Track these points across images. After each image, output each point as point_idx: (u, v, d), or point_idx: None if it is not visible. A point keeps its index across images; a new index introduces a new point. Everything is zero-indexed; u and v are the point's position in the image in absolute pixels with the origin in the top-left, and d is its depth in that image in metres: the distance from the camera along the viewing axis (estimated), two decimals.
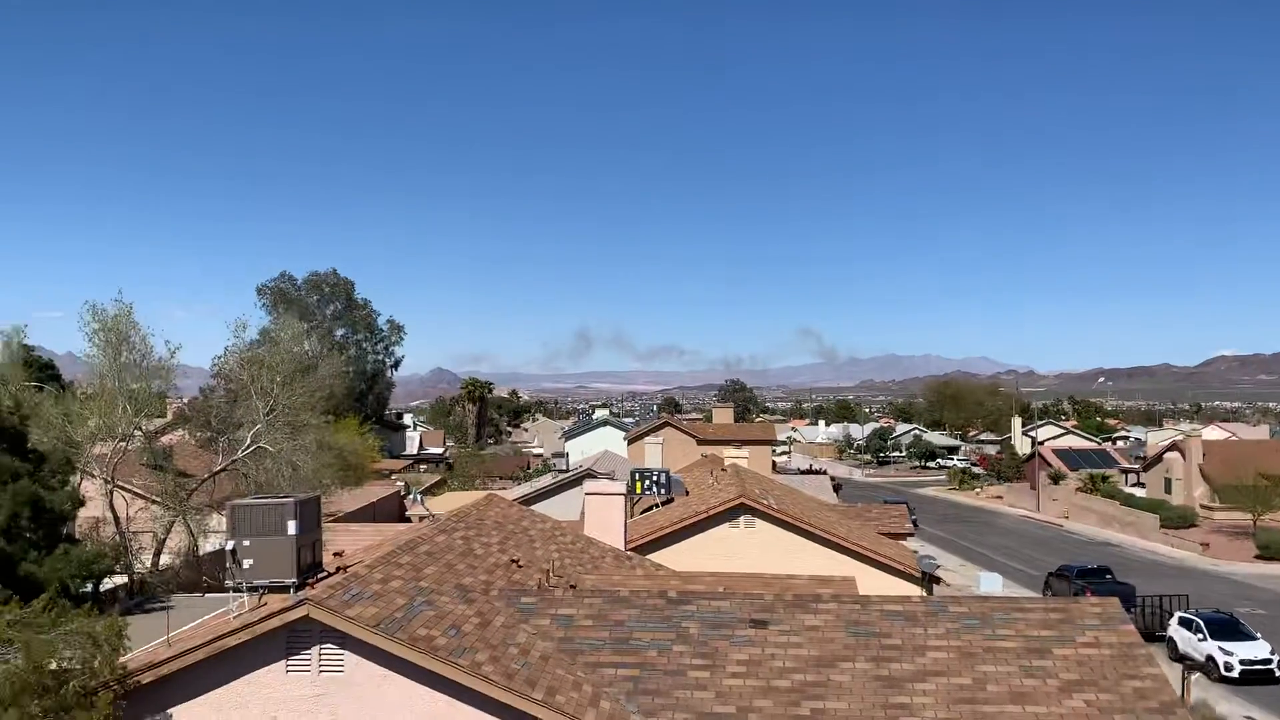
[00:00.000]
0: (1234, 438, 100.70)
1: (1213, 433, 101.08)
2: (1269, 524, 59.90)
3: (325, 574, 14.20)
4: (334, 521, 28.82)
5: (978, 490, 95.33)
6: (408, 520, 44.01)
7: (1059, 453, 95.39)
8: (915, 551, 31.70)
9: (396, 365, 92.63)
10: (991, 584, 32.62)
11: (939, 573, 26.33)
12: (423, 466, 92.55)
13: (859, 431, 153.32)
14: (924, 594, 24.48)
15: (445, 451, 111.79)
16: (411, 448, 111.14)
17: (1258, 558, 54.62)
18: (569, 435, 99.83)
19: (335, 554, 17.22)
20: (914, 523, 46.11)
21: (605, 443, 79.92)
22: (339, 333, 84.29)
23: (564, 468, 54.10)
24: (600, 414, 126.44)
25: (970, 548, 60.20)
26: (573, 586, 17.50)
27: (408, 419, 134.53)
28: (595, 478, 36.79)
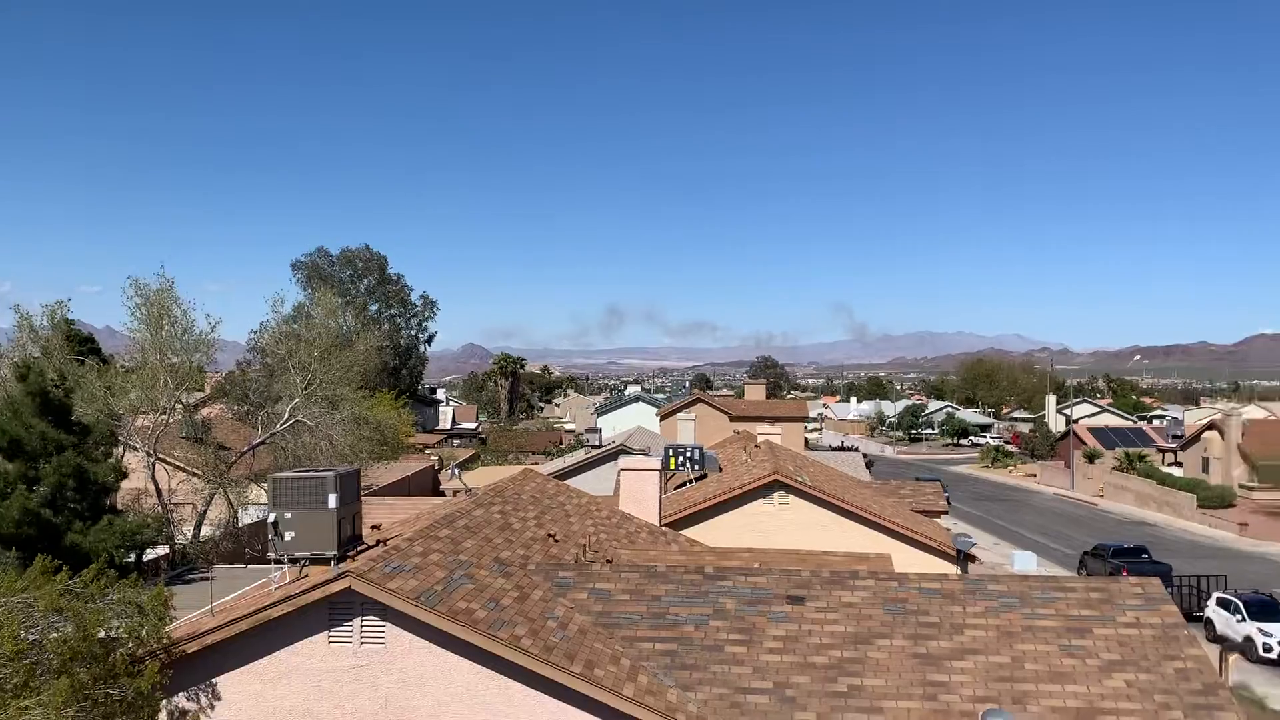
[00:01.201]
0: (1273, 417, 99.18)
1: (1252, 411, 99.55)
2: None
3: (365, 546, 14.33)
4: (370, 495, 29.09)
5: (1011, 468, 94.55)
6: (442, 494, 44.33)
7: (1094, 431, 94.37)
8: (949, 529, 31.52)
9: (430, 340, 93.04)
10: (1026, 562, 32.29)
11: (974, 550, 26.16)
12: (456, 441, 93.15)
13: (891, 409, 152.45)
14: (959, 572, 24.36)
15: (478, 426, 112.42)
16: (445, 423, 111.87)
17: None
18: (601, 411, 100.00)
19: (373, 527, 17.39)
20: (948, 500, 45.86)
21: (638, 419, 79.97)
22: (372, 308, 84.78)
23: (597, 443, 54.20)
24: (632, 390, 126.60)
25: (1004, 526, 59.82)
26: (609, 561, 17.57)
27: (441, 394, 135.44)
28: (629, 453, 36.85)
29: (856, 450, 70.10)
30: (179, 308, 26.31)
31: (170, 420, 26.54)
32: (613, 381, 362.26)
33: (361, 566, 12.78)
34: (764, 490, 26.34)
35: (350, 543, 14.04)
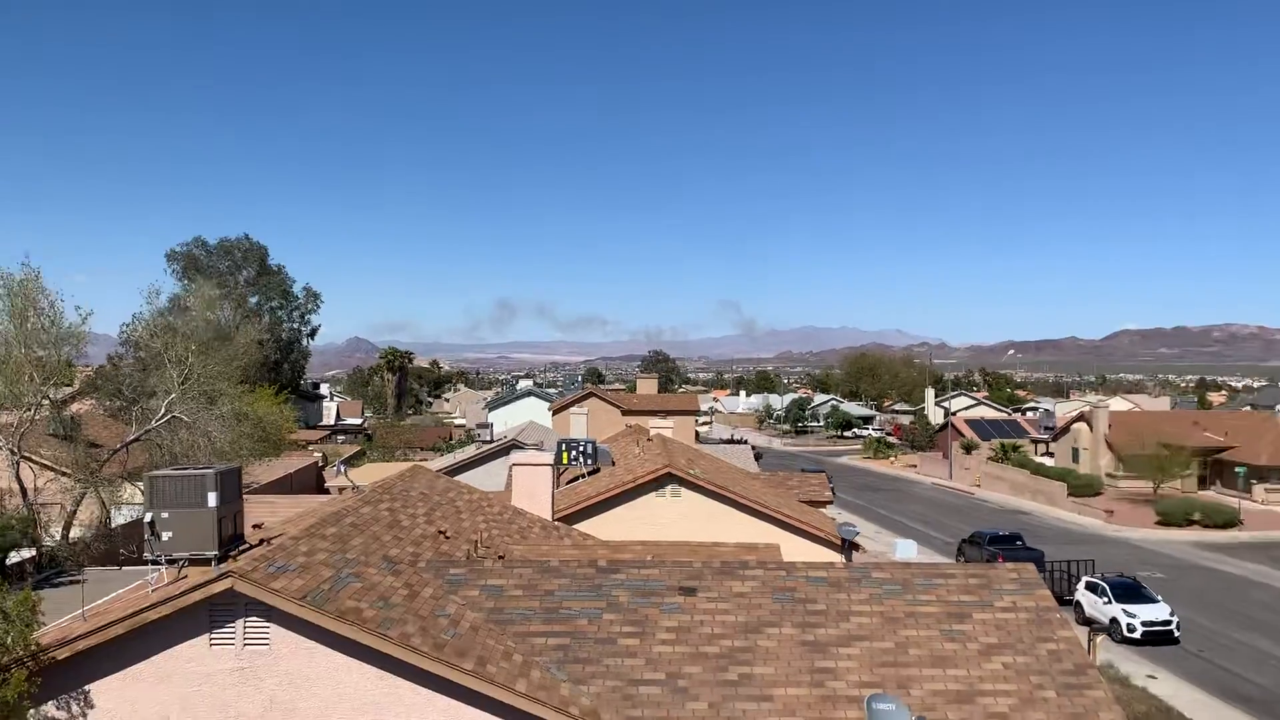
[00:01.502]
0: (1137, 409, 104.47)
1: (1117, 404, 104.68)
2: (1168, 492, 62.44)
3: (248, 546, 13.91)
4: (251, 493, 28.23)
5: (892, 459, 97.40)
6: (327, 492, 43.33)
7: (971, 423, 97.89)
8: (835, 519, 32.27)
9: (313, 334, 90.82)
10: (907, 550, 33.36)
11: (858, 539, 26.84)
12: (340, 437, 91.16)
13: (778, 402, 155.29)
14: (845, 560, 24.96)
15: (364, 422, 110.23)
16: (329, 418, 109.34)
17: (1157, 524, 56.89)
18: (492, 406, 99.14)
19: (255, 526, 16.88)
20: (832, 491, 46.91)
21: (530, 413, 79.60)
22: (253, 300, 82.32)
23: (488, 438, 53.73)
24: (524, 384, 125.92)
25: (886, 515, 61.56)
26: (501, 557, 17.44)
27: (325, 389, 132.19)
28: (521, 448, 36.63)
29: (746, 443, 71.14)
30: (46, 298, 25.10)
31: (36, 416, 25.31)
32: (504, 376, 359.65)
33: (244, 566, 12.39)
34: (656, 483, 26.51)
35: (232, 542, 13.61)
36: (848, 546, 26.78)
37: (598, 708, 12.76)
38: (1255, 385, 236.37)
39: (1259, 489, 64.89)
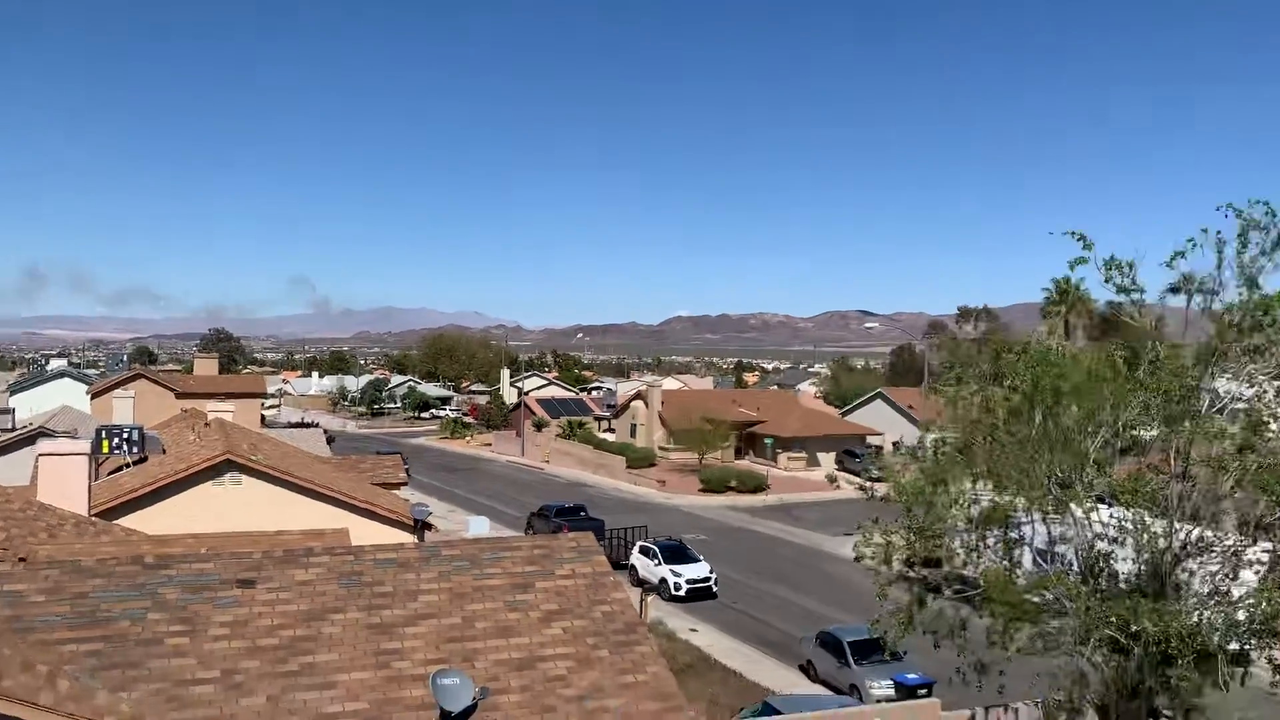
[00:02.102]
0: (686, 388, 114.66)
1: (669, 383, 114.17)
2: (711, 462, 69.31)
3: None
4: None
5: (469, 439, 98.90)
6: None
7: (542, 402, 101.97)
8: (409, 500, 32.18)
9: None
10: (480, 527, 34.00)
11: (431, 519, 26.98)
12: None
13: (354, 384, 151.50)
14: (417, 540, 24.97)
15: None
16: None
17: (701, 491, 62.99)
18: (15, 389, 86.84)
19: None
20: (407, 472, 46.66)
21: (63, 396, 70.73)
22: None
23: (9, 426, 47.05)
24: (56, 364, 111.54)
25: (461, 494, 62.45)
26: (23, 559, 15.40)
27: None
28: (50, 436, 32.58)
29: (317, 426, 68.69)
30: None
31: None
32: (31, 355, 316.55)
33: None
34: (214, 471, 24.76)
35: None
36: (420, 526, 26.83)
37: (142, 713, 11.70)
38: (783, 367, 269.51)
39: (783, 457, 74.01)
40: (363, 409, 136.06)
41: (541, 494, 60.53)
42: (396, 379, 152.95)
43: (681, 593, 36.23)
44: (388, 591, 14.48)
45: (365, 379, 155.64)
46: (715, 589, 36.94)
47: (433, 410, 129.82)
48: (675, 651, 28.85)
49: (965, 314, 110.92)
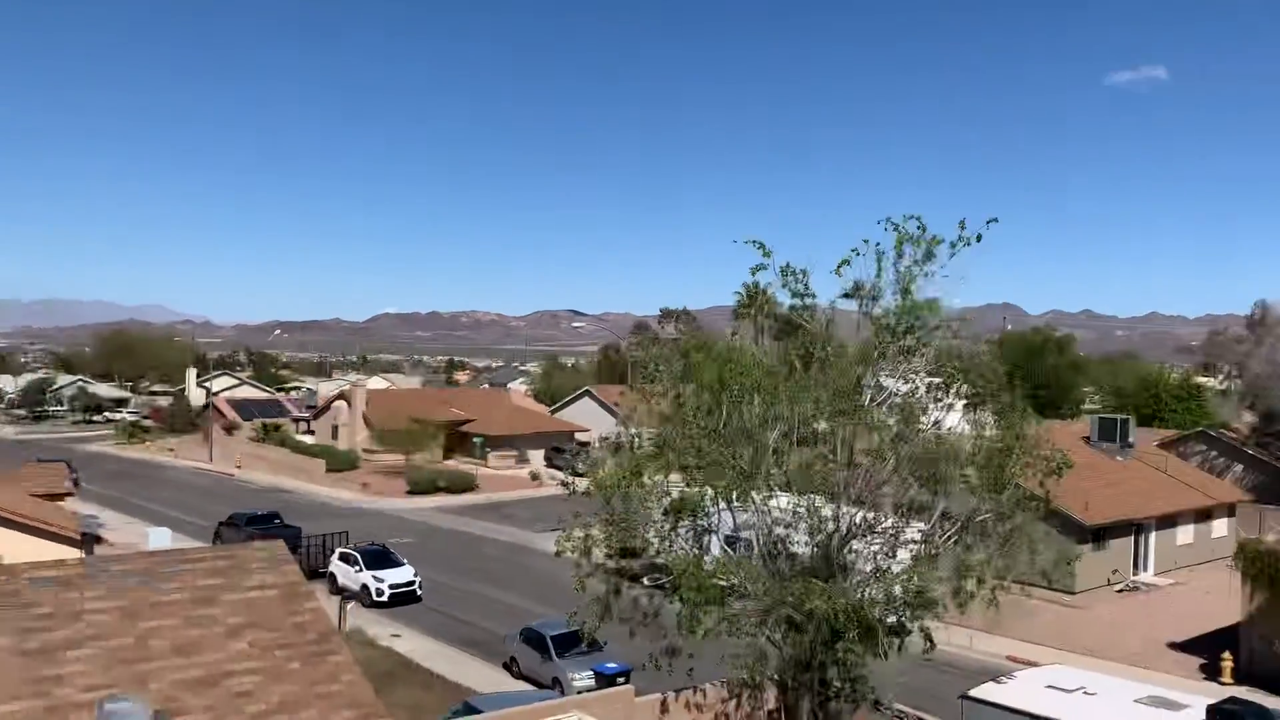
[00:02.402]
0: (394, 387, 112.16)
1: (376, 383, 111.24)
2: (419, 463, 68.15)
3: None
4: None
5: (149, 444, 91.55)
6: None
7: (234, 404, 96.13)
8: (77, 512, 29.35)
9: None
10: (160, 539, 31.64)
11: (103, 532, 24.78)
12: None
13: (12, 384, 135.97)
14: (84, 556, 22.83)
15: None
16: None
17: (409, 493, 61.82)
18: None
19: None
20: (75, 481, 42.63)
21: None
22: None
23: None
24: None
25: (140, 504, 57.63)
26: None
27: None
28: None
29: None
30: None
31: None
32: None
33: None
34: None
35: None
36: (89, 540, 24.60)
37: None
38: (495, 366, 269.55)
39: (493, 456, 74.03)
40: (23, 412, 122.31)
41: (232, 502, 56.97)
42: (64, 378, 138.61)
43: (384, 598, 35.38)
44: (47, 613, 13.19)
45: (27, 379, 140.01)
46: (420, 592, 36.37)
47: (107, 413, 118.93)
48: (376, 659, 28.12)
49: (667, 315, 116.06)
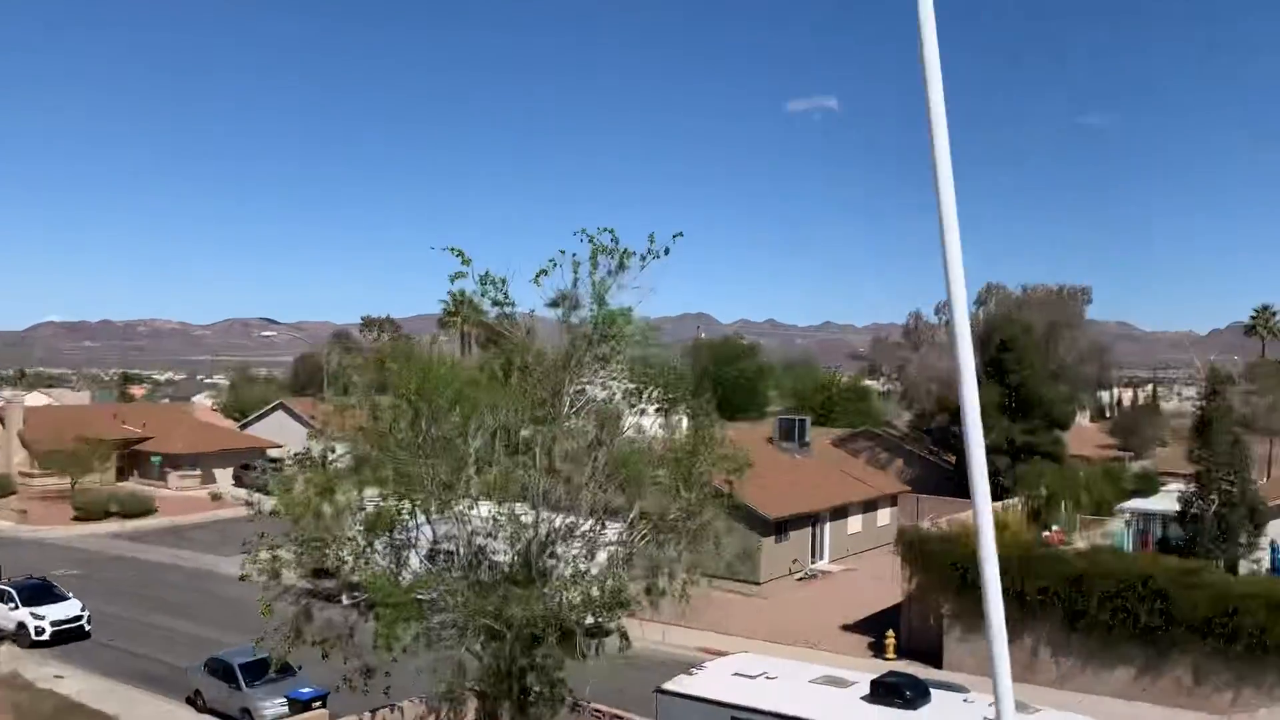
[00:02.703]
0: (56, 403, 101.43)
1: (35, 399, 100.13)
2: (89, 486, 62.07)
3: None
4: None
5: None
6: None
7: None
8: None
9: None
10: None
11: None
12: None
13: None
14: None
15: None
16: None
17: (76, 519, 56.21)
18: None
19: None
20: None
21: None
22: None
23: None
24: None
25: None
26: None
27: None
28: None
29: None
30: None
31: None
32: None
33: None
34: None
35: None
36: None
37: None
38: (177, 378, 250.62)
39: (174, 476, 68.75)
40: None
41: None
42: None
43: (45, 636, 32.01)
44: None
45: None
46: (89, 628, 33.18)
47: None
48: (36, 703, 25.42)
49: (369, 323, 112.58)
